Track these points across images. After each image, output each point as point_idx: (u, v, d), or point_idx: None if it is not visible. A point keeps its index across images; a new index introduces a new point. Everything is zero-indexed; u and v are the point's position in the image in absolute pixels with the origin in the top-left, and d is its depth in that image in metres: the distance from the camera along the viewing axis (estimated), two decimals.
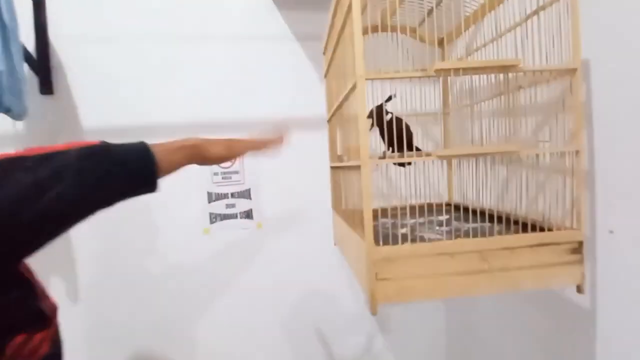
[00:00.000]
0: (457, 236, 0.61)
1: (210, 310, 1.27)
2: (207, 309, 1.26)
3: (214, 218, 1.25)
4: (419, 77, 0.55)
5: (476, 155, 0.55)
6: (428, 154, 0.55)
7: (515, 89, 0.69)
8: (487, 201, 0.83)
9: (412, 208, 0.68)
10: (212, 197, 1.25)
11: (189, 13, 1.20)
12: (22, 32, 1.09)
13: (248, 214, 1.27)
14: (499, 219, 0.75)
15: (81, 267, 1.20)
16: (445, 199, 1.02)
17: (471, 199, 0.92)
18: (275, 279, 1.29)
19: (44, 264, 1.18)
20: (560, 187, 0.65)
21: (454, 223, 0.80)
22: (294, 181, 1.28)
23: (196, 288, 1.25)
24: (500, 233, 0.59)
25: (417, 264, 0.54)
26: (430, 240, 0.64)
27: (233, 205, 1.26)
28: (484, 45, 0.82)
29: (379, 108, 0.75)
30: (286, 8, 1.24)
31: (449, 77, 1.03)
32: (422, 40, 0.99)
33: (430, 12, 0.86)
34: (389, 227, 0.63)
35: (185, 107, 1.21)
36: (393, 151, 0.69)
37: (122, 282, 1.21)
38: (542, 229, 0.62)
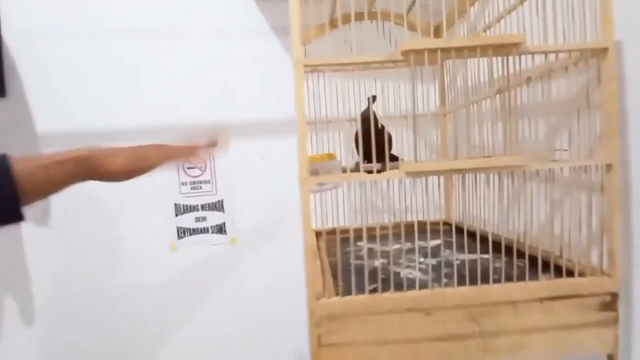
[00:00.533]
0: (438, 277, 0.45)
1: (178, 334, 1.13)
2: (175, 333, 1.13)
3: (182, 233, 1.12)
4: (381, 63, 0.39)
5: (460, 172, 0.39)
6: (395, 167, 0.39)
7: (523, 81, 0.53)
8: (491, 220, 0.67)
9: (399, 227, 0.52)
10: (180, 210, 1.12)
11: (157, 6, 1.07)
12: None
13: (220, 229, 1.13)
14: (504, 247, 0.59)
15: (37, 286, 1.09)
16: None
17: (472, 217, 0.76)
18: (250, 301, 1.14)
19: None
20: (585, 210, 0.49)
21: (445, 252, 0.64)
22: (273, 191, 1.13)
23: (163, 310, 1.12)
24: (497, 277, 0.43)
25: (378, 323, 0.38)
26: (407, 279, 0.48)
27: (204, 219, 1.12)
28: (488, 28, 0.65)
29: (368, 112, 0.60)
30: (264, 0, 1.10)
31: (444, 71, 0.87)
32: (413, 29, 0.83)
33: None
34: (362, 255, 0.48)
35: (153, 109, 1.08)
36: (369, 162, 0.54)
37: (82, 303, 1.09)
38: (558, 267, 0.45)
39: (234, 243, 1.14)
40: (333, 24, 0.88)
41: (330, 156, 0.63)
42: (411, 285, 0.42)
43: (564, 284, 0.41)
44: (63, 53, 1.06)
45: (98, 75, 1.07)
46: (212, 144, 0.54)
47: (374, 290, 0.42)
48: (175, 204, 1.11)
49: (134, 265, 1.11)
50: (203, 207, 1.13)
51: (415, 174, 0.37)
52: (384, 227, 0.47)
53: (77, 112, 1.07)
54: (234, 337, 1.14)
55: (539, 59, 0.51)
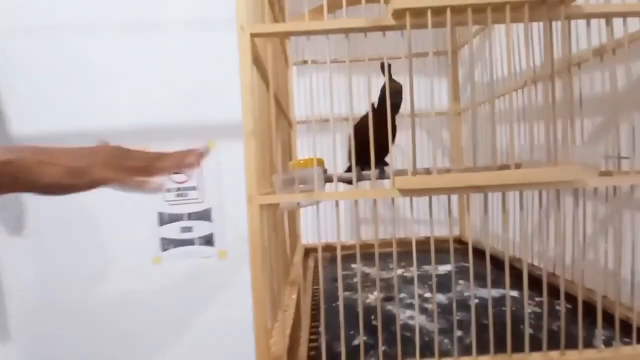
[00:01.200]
0: (449, 326, 0.32)
1: (162, 353, 1.03)
2: (158, 352, 1.03)
3: (167, 244, 1.02)
4: (363, 31, 0.27)
5: (479, 190, 0.27)
6: (380, 175, 0.27)
7: (569, 65, 0.39)
8: (518, 240, 0.53)
9: (403, 245, 0.39)
10: (165, 219, 1.01)
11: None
12: None
13: (208, 240, 1.03)
14: (533, 281, 0.45)
15: (12, 300, 1.01)
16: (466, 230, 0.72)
17: (494, 235, 0.62)
18: (239, 319, 1.03)
19: None
20: None
21: (458, 283, 0.51)
22: None
23: (146, 328, 1.02)
24: (533, 333, 0.30)
25: None
26: (406, 327, 0.36)
27: (190, 229, 1.02)
28: None
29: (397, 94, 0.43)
30: None
31: (458, 60, 0.74)
32: None
33: None
34: (354, 284, 0.36)
35: (127, 109, 0.99)
36: (362, 169, 0.42)
37: (60, 319, 1.01)
38: (622, 322, 0.32)
39: (223, 256, 1.03)
40: (330, 7, 0.76)
41: (317, 162, 0.51)
42: (410, 339, 0.30)
43: (636, 355, 0.27)
44: (30, 49, 0.98)
45: (70, 73, 0.98)
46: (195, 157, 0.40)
47: (356, 352, 0.29)
48: (159, 213, 1.01)
49: (115, 279, 1.01)
50: (189, 217, 1.02)
51: (412, 193, 0.25)
52: (385, 244, 0.35)
53: (46, 113, 0.98)
54: (222, 358, 1.03)
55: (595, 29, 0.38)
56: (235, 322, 1.01)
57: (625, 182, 0.30)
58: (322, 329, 0.31)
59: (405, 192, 0.26)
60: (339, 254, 0.31)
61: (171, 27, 0.98)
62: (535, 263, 0.53)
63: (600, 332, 0.32)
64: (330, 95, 0.32)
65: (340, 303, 0.31)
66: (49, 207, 0.98)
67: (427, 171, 0.34)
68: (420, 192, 0.26)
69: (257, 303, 0.27)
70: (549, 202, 0.38)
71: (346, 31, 0.27)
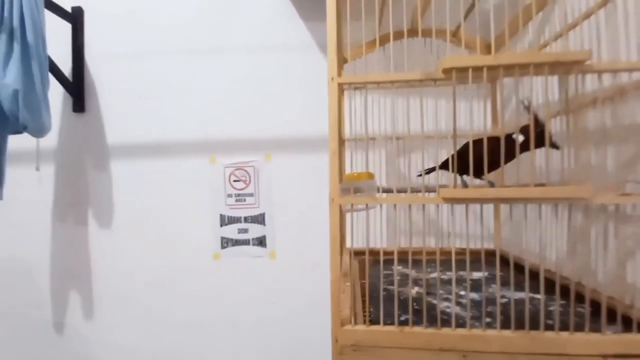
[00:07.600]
0: (479, 315, 0.40)
1: (214, 345, 1.15)
2: (211, 344, 1.15)
3: (226, 243, 1.15)
4: (420, 82, 0.37)
5: (507, 201, 0.35)
6: (428, 190, 0.36)
7: (587, 103, 0.47)
8: (546, 255, 0.59)
9: (442, 253, 0.48)
10: (225, 220, 1.16)
11: (210, 26, 1.16)
12: (60, 54, 1.15)
13: (261, 241, 1.15)
14: (561, 288, 0.52)
15: (97, 285, 1.19)
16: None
17: (524, 249, 0.68)
18: (285, 318, 1.13)
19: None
20: None
21: (491, 287, 0.58)
22: (313, 207, 1.13)
23: (202, 319, 1.15)
24: (551, 323, 0.37)
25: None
26: (443, 313, 0.44)
27: (246, 231, 1.15)
28: (545, 46, 0.60)
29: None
30: (312, 19, 1.13)
31: (498, 88, 0.81)
32: (465, 46, 0.79)
33: (471, 8, 0.67)
34: (395, 282, 0.45)
35: (207, 123, 1.16)
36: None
37: (125, 305, 1.17)
38: (626, 319, 0.38)
39: (273, 257, 1.15)
40: (381, 41, 0.87)
41: (369, 175, 0.61)
42: (447, 321, 0.38)
43: (635, 341, 0.34)
44: (130, 72, 1.18)
45: (158, 92, 1.17)
46: None
47: (405, 322, 0.39)
48: (221, 215, 1.16)
49: (180, 270, 1.16)
50: (246, 219, 1.15)
51: (453, 201, 0.34)
52: (429, 252, 0.43)
53: (140, 125, 1.17)
54: (268, 351, 1.14)
55: (607, 78, 0.45)
56: (279, 319, 1.12)
57: (629, 201, 0.37)
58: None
59: (447, 199, 0.35)
60: (381, 255, 0.40)
61: (234, 51, 1.14)
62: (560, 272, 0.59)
63: (604, 320, 0.39)
64: (380, 116, 0.42)
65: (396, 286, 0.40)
66: (128, 207, 1.17)
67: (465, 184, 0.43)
68: (458, 200, 0.35)
69: (334, 278, 0.37)
70: (569, 217, 0.45)
71: (407, 82, 0.37)
